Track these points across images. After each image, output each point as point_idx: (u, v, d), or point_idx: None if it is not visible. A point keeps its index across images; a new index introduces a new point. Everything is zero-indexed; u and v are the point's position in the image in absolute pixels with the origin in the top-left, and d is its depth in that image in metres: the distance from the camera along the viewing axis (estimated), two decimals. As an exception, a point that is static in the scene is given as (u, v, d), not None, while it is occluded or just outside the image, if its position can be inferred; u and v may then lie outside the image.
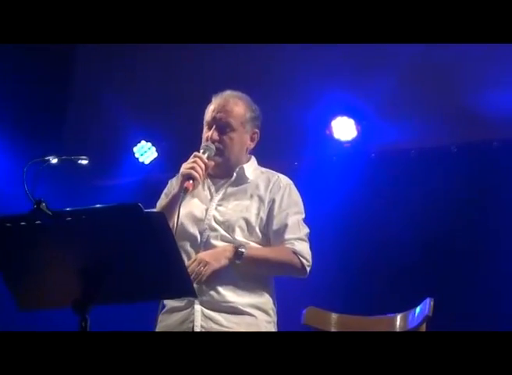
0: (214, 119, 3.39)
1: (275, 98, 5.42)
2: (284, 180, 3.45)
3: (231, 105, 3.41)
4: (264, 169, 3.51)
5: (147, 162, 6.26)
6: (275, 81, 5.70)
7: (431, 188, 5.43)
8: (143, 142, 6.25)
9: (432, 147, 5.55)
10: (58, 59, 6.22)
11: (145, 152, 6.26)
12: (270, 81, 5.67)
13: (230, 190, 3.41)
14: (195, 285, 3.09)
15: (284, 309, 3.42)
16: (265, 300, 3.32)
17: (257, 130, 3.47)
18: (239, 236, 3.30)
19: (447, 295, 4.73)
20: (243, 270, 3.26)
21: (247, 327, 3.21)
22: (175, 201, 3.27)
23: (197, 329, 3.21)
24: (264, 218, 3.35)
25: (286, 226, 3.34)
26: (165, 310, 3.32)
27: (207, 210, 3.35)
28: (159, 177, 4.66)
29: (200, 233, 3.32)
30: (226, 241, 3.29)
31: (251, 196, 3.38)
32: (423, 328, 3.17)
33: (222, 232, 3.30)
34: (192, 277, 3.09)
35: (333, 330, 3.37)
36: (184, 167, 3.30)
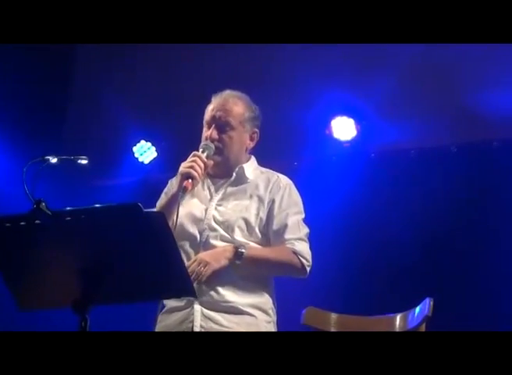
0: (213, 119, 3.39)
1: (275, 98, 5.42)
2: (284, 180, 3.45)
3: (230, 104, 3.41)
4: (264, 169, 3.51)
5: (146, 161, 6.26)
6: (275, 81, 5.70)
7: (431, 188, 5.43)
8: (142, 142, 6.25)
9: (431, 147, 5.55)
10: (58, 59, 6.22)
11: (145, 152, 6.26)
12: (270, 81, 5.67)
13: (230, 190, 3.40)
14: (195, 285, 3.08)
15: (284, 309, 3.42)
16: (265, 300, 3.32)
17: (256, 130, 3.47)
18: (238, 236, 3.30)
19: (447, 295, 4.73)
20: (243, 270, 3.26)
21: (246, 327, 3.21)
22: (174, 201, 3.27)
23: (197, 329, 3.21)
24: (264, 218, 3.34)
25: (286, 226, 3.34)
26: (164, 310, 3.32)
27: (206, 210, 3.35)
28: (159, 177, 4.66)
29: (200, 233, 3.31)
30: (226, 241, 3.29)
31: (251, 196, 3.38)
32: (422, 328, 3.17)
33: (222, 232, 3.30)
34: (192, 278, 3.09)
35: (333, 330, 3.37)
36: (183, 166, 3.30)
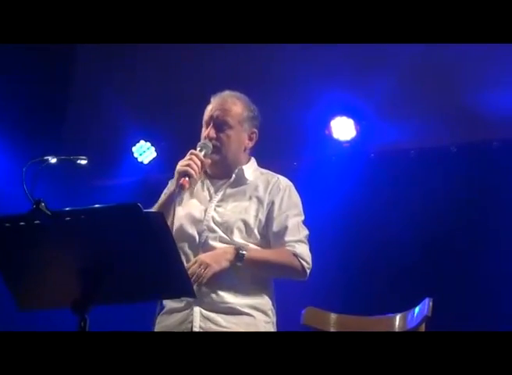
0: (211, 118, 3.39)
1: (275, 98, 5.42)
2: (284, 181, 3.44)
3: (229, 104, 3.41)
4: (264, 171, 3.50)
5: (146, 161, 6.26)
6: (274, 81, 5.70)
7: (430, 188, 5.43)
8: (142, 142, 6.25)
9: (431, 147, 5.55)
10: (58, 59, 6.22)
11: (144, 152, 6.26)
12: (270, 81, 5.67)
13: (229, 191, 3.40)
14: (194, 286, 3.08)
15: (283, 309, 3.41)
16: (264, 301, 3.32)
17: (255, 130, 3.46)
18: (237, 237, 3.29)
19: (446, 295, 4.73)
20: (243, 272, 3.26)
21: (245, 327, 3.21)
22: (171, 199, 3.27)
23: (196, 329, 3.20)
24: (263, 220, 3.34)
25: (286, 228, 3.33)
26: (163, 311, 3.32)
27: (205, 211, 3.35)
28: (158, 177, 4.67)
29: (199, 234, 3.31)
30: (225, 243, 3.28)
31: (250, 197, 3.37)
32: (422, 328, 3.17)
33: (221, 233, 3.29)
34: (192, 280, 3.09)
35: (332, 330, 3.37)
36: (180, 165, 3.30)
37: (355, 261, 5.56)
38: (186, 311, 3.24)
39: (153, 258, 2.38)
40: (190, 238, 3.30)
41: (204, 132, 3.40)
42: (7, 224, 2.38)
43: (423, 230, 5.42)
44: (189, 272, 3.08)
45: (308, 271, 3.32)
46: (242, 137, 3.43)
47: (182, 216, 3.34)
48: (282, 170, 3.58)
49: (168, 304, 3.30)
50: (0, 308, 3.96)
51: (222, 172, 3.43)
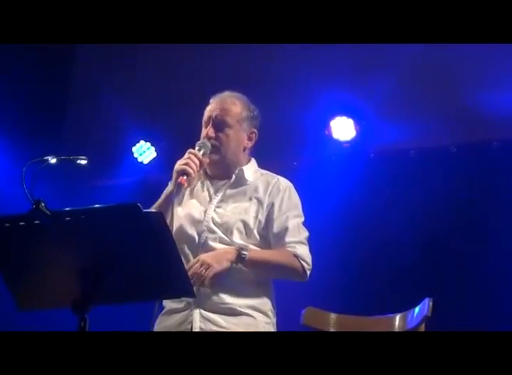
0: (210, 118, 3.40)
1: (275, 98, 5.43)
2: (284, 182, 3.44)
3: (228, 104, 3.42)
4: (264, 172, 3.50)
5: (146, 162, 6.26)
6: (274, 81, 5.70)
7: (430, 188, 5.43)
8: (142, 142, 6.25)
9: (431, 147, 5.55)
10: (58, 59, 6.22)
11: (144, 152, 6.26)
12: (270, 81, 5.67)
13: (229, 192, 3.40)
14: (194, 287, 3.08)
15: (283, 309, 3.41)
16: (264, 302, 3.31)
17: (254, 130, 3.46)
18: (237, 238, 3.29)
19: (446, 295, 4.72)
20: (243, 273, 3.26)
21: (245, 328, 3.21)
22: (169, 199, 3.27)
23: (196, 330, 3.20)
24: (263, 221, 3.34)
25: (286, 229, 3.33)
26: (163, 312, 3.32)
27: (205, 212, 3.35)
28: (158, 177, 4.67)
29: (199, 234, 3.31)
30: (224, 243, 3.28)
31: (250, 198, 3.37)
32: (422, 328, 3.17)
33: (220, 234, 3.29)
34: (194, 280, 3.09)
35: (332, 330, 3.37)
36: (178, 164, 3.29)
37: (355, 261, 5.56)
38: (186, 312, 3.24)
39: (153, 258, 2.38)
40: (189, 239, 3.30)
41: (203, 132, 3.40)
42: (7, 224, 2.38)
43: (423, 230, 5.42)
44: (190, 272, 3.08)
45: (308, 272, 3.32)
46: (241, 136, 3.42)
47: (181, 217, 3.34)
48: (282, 170, 3.58)
49: (168, 305, 3.30)
50: (0, 308, 3.96)
51: (221, 172, 3.43)
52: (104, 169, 6.14)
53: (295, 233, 3.33)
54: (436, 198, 5.40)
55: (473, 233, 5.33)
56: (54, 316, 3.61)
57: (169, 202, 3.26)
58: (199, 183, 3.43)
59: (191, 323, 3.21)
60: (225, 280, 3.23)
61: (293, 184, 3.47)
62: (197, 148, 3.34)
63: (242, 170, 3.42)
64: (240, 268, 3.23)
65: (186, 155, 3.30)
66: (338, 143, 5.76)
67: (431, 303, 3.12)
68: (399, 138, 5.54)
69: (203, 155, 3.32)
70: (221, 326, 3.21)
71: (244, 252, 3.21)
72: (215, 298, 3.23)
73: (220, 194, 3.39)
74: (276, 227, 3.33)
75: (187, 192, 3.41)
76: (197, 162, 3.28)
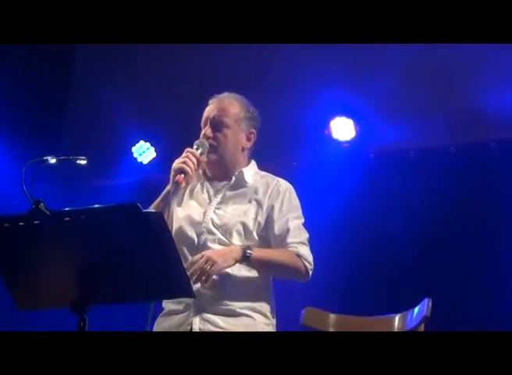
0: (208, 119, 3.40)
1: (275, 98, 5.43)
2: (284, 184, 3.43)
3: (226, 104, 3.42)
4: (263, 174, 3.49)
5: (145, 162, 6.26)
6: (274, 81, 5.70)
7: (430, 188, 5.43)
8: (141, 142, 6.25)
9: (430, 147, 5.55)
10: (58, 59, 6.23)
11: (144, 152, 6.26)
12: (269, 81, 5.68)
13: (229, 193, 3.39)
14: (194, 287, 3.08)
15: (283, 309, 3.41)
16: (263, 303, 3.30)
17: (253, 130, 3.46)
18: (236, 240, 3.28)
19: (445, 295, 4.73)
20: (243, 274, 3.26)
21: (244, 328, 3.20)
22: (166, 199, 3.27)
23: (195, 331, 3.20)
24: (262, 223, 3.33)
25: (287, 230, 3.32)
26: (163, 313, 3.31)
27: (205, 213, 3.34)
28: (158, 177, 4.66)
29: (198, 236, 3.30)
30: (223, 245, 3.27)
31: (250, 200, 3.36)
32: (421, 328, 3.17)
33: (220, 236, 3.28)
34: (197, 275, 3.08)
35: (331, 330, 3.37)
36: (176, 162, 3.29)
37: (354, 261, 5.56)
38: (185, 313, 3.23)
39: (152, 258, 2.38)
40: (188, 240, 3.29)
41: (202, 132, 3.40)
42: (6, 224, 2.38)
43: (422, 230, 5.42)
44: (194, 267, 3.08)
45: (311, 272, 3.31)
46: (239, 136, 3.42)
47: (181, 218, 3.33)
48: (282, 170, 3.58)
49: (168, 306, 3.30)
50: (0, 308, 3.96)
51: (221, 173, 3.42)
52: (104, 169, 6.14)
53: (296, 234, 3.33)
54: (435, 198, 5.41)
55: (472, 233, 5.33)
56: (53, 316, 3.61)
57: (167, 201, 3.26)
58: (198, 185, 3.43)
59: (191, 324, 3.21)
60: (224, 281, 3.22)
61: (293, 184, 3.46)
62: (194, 146, 3.34)
63: (242, 172, 3.41)
64: (241, 269, 3.23)
65: (184, 154, 3.30)
66: (337, 143, 5.76)
67: (430, 303, 3.13)
68: (398, 138, 5.54)
69: (201, 154, 3.32)
70: (220, 327, 3.20)
71: (249, 251, 3.21)
72: (214, 299, 3.22)
73: (220, 196, 3.39)
74: (277, 229, 3.32)
75: (187, 193, 3.41)
76: (195, 160, 3.28)
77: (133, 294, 2.49)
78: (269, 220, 3.33)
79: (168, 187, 3.30)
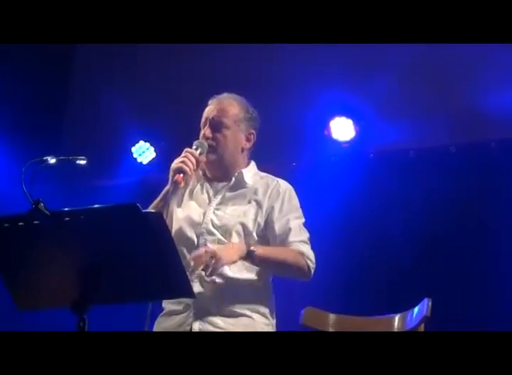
0: (208, 119, 3.40)
1: (274, 98, 5.43)
2: (283, 185, 3.43)
3: (225, 105, 3.42)
4: (263, 174, 3.49)
5: (145, 162, 6.27)
6: (274, 81, 5.71)
7: (429, 188, 5.43)
8: (141, 142, 6.25)
9: (430, 147, 5.55)
10: (58, 59, 6.23)
11: (143, 152, 6.26)
12: (269, 81, 5.68)
13: (228, 194, 3.39)
14: (194, 287, 3.08)
15: (282, 309, 3.41)
16: (263, 303, 3.30)
17: (253, 131, 3.45)
18: (235, 241, 3.28)
19: (445, 295, 4.73)
20: (243, 274, 3.25)
21: (243, 328, 3.20)
22: (165, 199, 3.27)
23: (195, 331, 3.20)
24: (262, 223, 3.33)
25: (289, 229, 3.32)
26: (163, 313, 3.31)
27: (204, 214, 3.34)
28: (157, 177, 4.66)
29: (198, 236, 3.30)
30: (223, 246, 3.28)
31: (249, 201, 3.36)
32: (421, 328, 3.17)
33: (219, 236, 3.28)
34: (200, 269, 3.08)
35: (331, 330, 3.37)
36: (174, 162, 3.29)
37: (354, 261, 5.56)
38: (185, 314, 3.23)
39: (152, 258, 2.38)
40: (188, 241, 3.29)
41: (201, 133, 3.40)
42: (6, 224, 2.38)
43: (422, 230, 5.42)
44: (199, 260, 3.07)
45: (313, 271, 3.31)
46: (239, 137, 3.42)
47: (181, 219, 3.33)
48: (282, 171, 3.58)
49: (168, 306, 3.30)
50: (0, 308, 3.96)
51: (220, 174, 3.42)
52: (104, 169, 6.14)
53: (298, 233, 3.33)
54: (435, 198, 5.41)
55: (472, 233, 5.34)
56: (53, 316, 3.61)
57: (166, 201, 3.26)
58: (198, 186, 3.43)
59: (190, 324, 3.21)
60: (224, 282, 3.22)
61: (293, 185, 3.46)
62: (194, 147, 3.34)
63: (241, 173, 3.41)
64: (241, 270, 3.23)
65: (183, 154, 3.30)
66: (337, 143, 5.76)
67: (430, 303, 3.13)
68: (398, 138, 5.54)
69: (200, 154, 3.32)
70: (219, 328, 3.20)
71: (253, 248, 3.21)
72: (214, 300, 3.22)
73: (219, 197, 3.39)
74: (278, 229, 3.32)
75: (186, 194, 3.41)
76: (194, 160, 3.28)
77: (132, 294, 2.49)
78: (269, 221, 3.33)
79: (167, 187, 3.31)
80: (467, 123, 5.33)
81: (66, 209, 2.35)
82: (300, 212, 3.41)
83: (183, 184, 3.28)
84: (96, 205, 2.38)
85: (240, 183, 3.40)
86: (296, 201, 3.41)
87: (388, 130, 5.54)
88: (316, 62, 5.57)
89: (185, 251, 3.26)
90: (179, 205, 3.37)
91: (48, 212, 2.31)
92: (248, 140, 3.45)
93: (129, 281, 2.42)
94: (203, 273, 3.12)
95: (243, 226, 3.30)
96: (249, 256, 3.20)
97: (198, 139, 3.39)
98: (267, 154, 3.70)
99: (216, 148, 3.37)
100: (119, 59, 6.19)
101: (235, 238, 3.28)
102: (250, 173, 3.45)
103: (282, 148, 5.58)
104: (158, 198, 3.33)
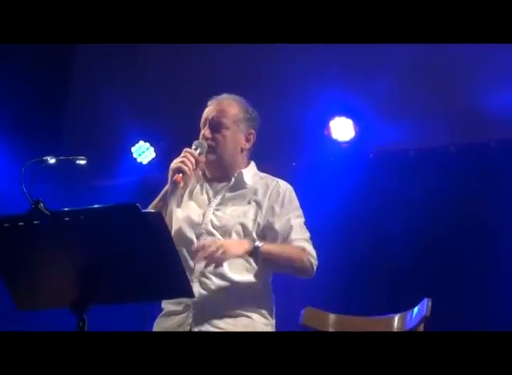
0: (207, 120, 3.40)
1: (274, 98, 5.43)
2: (283, 185, 3.43)
3: (224, 105, 3.42)
4: (263, 175, 3.49)
5: (145, 162, 6.27)
6: (274, 81, 5.71)
7: (429, 188, 5.43)
8: (141, 142, 6.25)
9: (430, 147, 5.56)
10: (58, 59, 6.23)
11: (143, 152, 6.26)
12: (269, 81, 5.68)
13: (228, 195, 3.39)
14: (194, 288, 3.08)
15: (282, 309, 3.41)
16: (262, 304, 3.30)
17: (252, 131, 3.45)
18: None
19: (445, 295, 4.73)
20: (243, 274, 3.25)
21: (243, 328, 3.19)
22: (164, 198, 3.27)
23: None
24: (262, 224, 3.33)
25: (291, 227, 3.32)
26: (162, 313, 3.31)
27: (204, 214, 3.34)
28: (157, 177, 4.66)
29: (197, 237, 3.29)
30: (223, 246, 3.27)
31: (249, 202, 3.36)
32: (421, 328, 3.17)
33: (219, 237, 3.27)
34: (204, 259, 3.08)
35: (331, 330, 3.37)
36: (174, 162, 3.29)
37: (354, 261, 5.56)
38: (184, 314, 3.23)
39: (152, 258, 2.38)
40: (188, 241, 3.29)
41: (200, 133, 3.40)
42: (6, 224, 2.38)
43: (422, 230, 5.42)
44: (204, 251, 3.07)
45: (315, 268, 3.31)
46: (238, 137, 3.42)
47: (180, 219, 3.33)
48: (282, 171, 3.58)
49: (167, 307, 3.29)
50: (0, 308, 3.96)
51: (220, 174, 3.42)
52: (104, 169, 6.14)
53: (299, 232, 3.33)
54: (435, 198, 5.41)
55: (472, 233, 5.34)
56: (53, 316, 3.61)
57: (165, 201, 3.26)
58: (198, 186, 3.43)
59: (190, 325, 3.21)
60: (224, 282, 3.22)
61: (293, 185, 3.46)
62: (193, 147, 3.34)
63: (241, 173, 3.41)
64: (241, 271, 3.23)
65: (182, 154, 3.30)
66: (337, 143, 5.76)
67: (430, 303, 3.13)
68: (398, 138, 5.54)
69: (199, 154, 3.32)
70: (219, 328, 3.20)
71: (258, 244, 3.21)
72: (213, 300, 3.22)
73: (219, 197, 3.39)
74: (280, 228, 3.32)
75: (186, 194, 3.41)
76: (193, 160, 3.28)
77: (132, 294, 2.49)
78: (270, 221, 3.33)
79: (166, 187, 3.31)
80: (467, 123, 5.33)
81: (66, 209, 2.36)
82: (300, 212, 3.41)
83: (182, 184, 3.28)
84: (96, 205, 2.38)
85: (240, 184, 3.40)
86: (296, 201, 3.42)
87: (388, 130, 5.54)
88: (316, 62, 5.57)
89: (184, 251, 3.26)
90: (179, 206, 3.37)
91: (47, 212, 2.31)
92: (248, 140, 3.45)
93: (129, 281, 2.43)
94: (205, 269, 3.13)
95: (243, 226, 3.30)
96: (254, 252, 3.20)
97: (198, 139, 3.40)
98: (267, 154, 3.70)
99: (216, 149, 3.37)
100: (119, 59, 6.19)
101: (234, 239, 3.28)
102: (250, 173, 3.45)
103: (282, 148, 5.58)
104: (158, 198, 3.33)
